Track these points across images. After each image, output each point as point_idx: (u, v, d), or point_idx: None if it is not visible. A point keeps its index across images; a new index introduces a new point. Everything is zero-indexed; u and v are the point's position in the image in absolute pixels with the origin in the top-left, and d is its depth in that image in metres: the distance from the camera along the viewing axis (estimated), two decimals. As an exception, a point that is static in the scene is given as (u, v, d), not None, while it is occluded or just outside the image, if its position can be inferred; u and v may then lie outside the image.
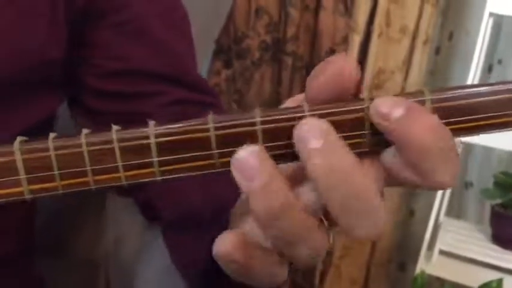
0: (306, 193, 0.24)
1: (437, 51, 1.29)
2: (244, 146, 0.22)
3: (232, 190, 0.25)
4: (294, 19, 1.23)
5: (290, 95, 1.26)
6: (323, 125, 0.22)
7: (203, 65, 1.28)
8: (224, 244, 0.24)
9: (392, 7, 1.14)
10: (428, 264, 1.14)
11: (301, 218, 0.23)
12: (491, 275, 1.06)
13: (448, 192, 1.19)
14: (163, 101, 0.50)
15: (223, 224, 0.30)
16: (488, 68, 1.27)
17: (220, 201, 0.35)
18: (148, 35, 0.50)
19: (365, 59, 1.18)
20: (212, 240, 0.25)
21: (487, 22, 1.03)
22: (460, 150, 1.15)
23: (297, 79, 1.26)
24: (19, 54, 0.44)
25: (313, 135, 0.22)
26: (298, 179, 0.24)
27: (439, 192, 1.13)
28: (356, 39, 1.17)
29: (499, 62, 1.26)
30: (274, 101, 1.32)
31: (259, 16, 1.25)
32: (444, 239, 1.16)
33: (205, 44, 1.27)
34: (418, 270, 1.12)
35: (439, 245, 1.15)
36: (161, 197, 0.47)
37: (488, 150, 1.28)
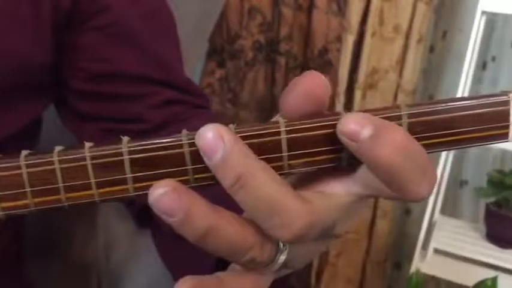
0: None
1: (431, 49, 1.29)
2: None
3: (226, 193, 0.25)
4: (287, 19, 1.23)
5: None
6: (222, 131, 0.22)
7: (196, 65, 1.28)
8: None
9: (386, 6, 1.13)
10: (423, 263, 1.14)
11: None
12: (486, 274, 1.06)
13: (443, 190, 1.19)
14: (153, 103, 0.50)
15: None
16: (482, 66, 1.27)
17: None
18: (131, 37, 0.49)
19: (359, 58, 1.18)
20: None
21: (480, 20, 1.03)
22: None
23: (290, 79, 1.25)
24: (10, 57, 0.44)
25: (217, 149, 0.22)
26: None
27: (434, 191, 1.13)
28: (349, 39, 1.16)
29: (493, 59, 1.26)
30: (268, 100, 1.32)
31: (252, 16, 1.25)
32: (439, 237, 1.16)
33: (198, 45, 1.26)
34: (413, 268, 1.12)
35: (433, 244, 1.14)
36: None
37: (482, 149, 1.28)
